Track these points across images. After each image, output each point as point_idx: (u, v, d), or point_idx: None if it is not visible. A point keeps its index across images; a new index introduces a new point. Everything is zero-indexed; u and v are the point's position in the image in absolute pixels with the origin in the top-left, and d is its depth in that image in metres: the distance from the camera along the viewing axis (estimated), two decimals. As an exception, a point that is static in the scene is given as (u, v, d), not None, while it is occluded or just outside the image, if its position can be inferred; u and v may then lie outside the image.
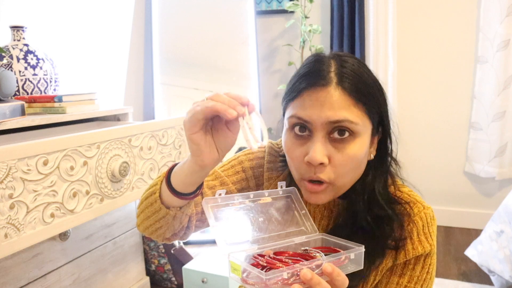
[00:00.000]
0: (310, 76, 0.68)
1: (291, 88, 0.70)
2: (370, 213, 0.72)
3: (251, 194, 0.66)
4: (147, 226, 0.74)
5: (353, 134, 0.66)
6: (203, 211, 0.78)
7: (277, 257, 0.59)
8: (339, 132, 0.66)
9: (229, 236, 0.61)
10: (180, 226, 0.74)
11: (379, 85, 0.72)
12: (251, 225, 0.65)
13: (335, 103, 0.65)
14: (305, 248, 0.64)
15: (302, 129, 0.68)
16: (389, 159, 0.77)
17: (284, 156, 0.85)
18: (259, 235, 0.64)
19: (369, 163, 0.74)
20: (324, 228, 0.79)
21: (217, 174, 0.84)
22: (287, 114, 0.71)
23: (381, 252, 0.72)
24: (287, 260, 0.57)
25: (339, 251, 0.63)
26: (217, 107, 0.57)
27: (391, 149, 0.77)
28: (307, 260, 0.58)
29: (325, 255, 0.61)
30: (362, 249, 0.61)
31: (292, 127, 0.70)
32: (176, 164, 0.69)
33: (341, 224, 0.75)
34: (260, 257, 0.59)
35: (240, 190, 0.85)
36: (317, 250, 0.63)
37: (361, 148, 0.68)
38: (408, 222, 0.73)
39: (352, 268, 0.61)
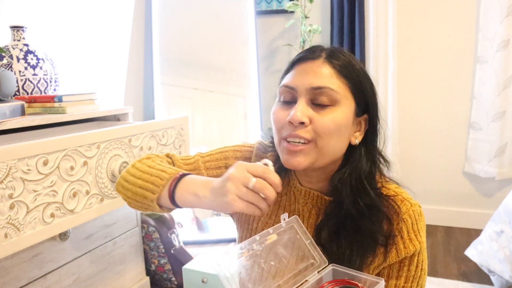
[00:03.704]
0: (303, 53, 0.75)
1: (287, 67, 0.77)
2: (357, 199, 0.73)
3: (257, 236, 0.66)
4: (130, 201, 0.78)
5: (334, 103, 0.71)
6: None
7: None
8: (321, 100, 0.71)
9: None
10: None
11: (368, 75, 0.76)
12: (265, 273, 0.65)
13: (319, 73, 0.71)
14: None
15: (289, 98, 0.74)
16: (375, 151, 0.78)
17: (271, 155, 0.85)
18: (275, 282, 0.64)
19: (356, 151, 0.76)
20: (312, 226, 0.79)
21: (197, 164, 0.86)
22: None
23: (372, 249, 0.73)
24: None
25: (355, 284, 0.63)
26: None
27: (377, 141, 0.79)
28: None
29: None
30: (382, 283, 0.62)
31: (280, 97, 0.75)
32: (181, 176, 0.72)
33: (328, 217, 0.76)
34: None
35: None
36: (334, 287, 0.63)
37: (341, 117, 0.71)
38: (397, 221, 0.74)
39: None
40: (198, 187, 0.69)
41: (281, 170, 0.81)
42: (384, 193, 0.76)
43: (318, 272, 0.67)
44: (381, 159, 0.79)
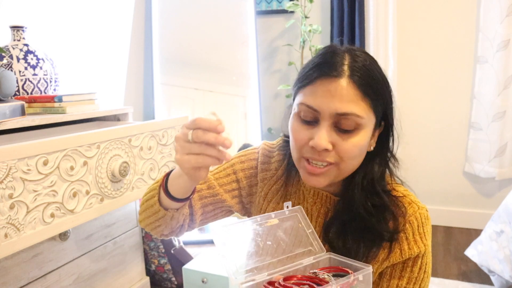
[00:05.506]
0: (324, 66, 0.70)
1: (304, 75, 0.73)
2: (367, 200, 0.74)
3: (258, 217, 0.67)
4: (148, 224, 0.80)
5: (358, 127, 0.69)
6: (192, 213, 0.85)
7: (287, 284, 0.59)
8: (345, 125, 0.69)
9: (239, 264, 0.61)
10: (178, 225, 0.80)
11: (387, 81, 0.75)
12: (260, 250, 0.66)
13: (344, 96, 0.68)
14: (314, 271, 0.65)
15: (310, 117, 0.71)
16: (388, 153, 0.79)
17: (278, 155, 0.85)
18: (269, 260, 0.65)
19: (368, 154, 0.76)
20: (320, 225, 0.80)
21: (210, 183, 0.87)
22: (297, 100, 0.73)
23: (378, 244, 0.74)
24: (297, 287, 0.58)
25: (346, 271, 0.64)
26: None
27: (392, 144, 0.79)
28: (316, 283, 0.59)
29: (333, 275, 0.62)
30: (370, 269, 0.62)
31: (300, 113, 0.73)
32: (171, 171, 0.74)
33: (337, 215, 0.77)
34: (270, 286, 0.60)
35: (230, 192, 0.87)
36: (325, 272, 0.64)
37: (363, 139, 0.71)
38: (403, 223, 0.75)
39: None
40: (179, 168, 0.71)
41: (292, 168, 0.82)
42: (393, 194, 0.77)
43: (314, 258, 0.68)
44: (393, 161, 0.79)
